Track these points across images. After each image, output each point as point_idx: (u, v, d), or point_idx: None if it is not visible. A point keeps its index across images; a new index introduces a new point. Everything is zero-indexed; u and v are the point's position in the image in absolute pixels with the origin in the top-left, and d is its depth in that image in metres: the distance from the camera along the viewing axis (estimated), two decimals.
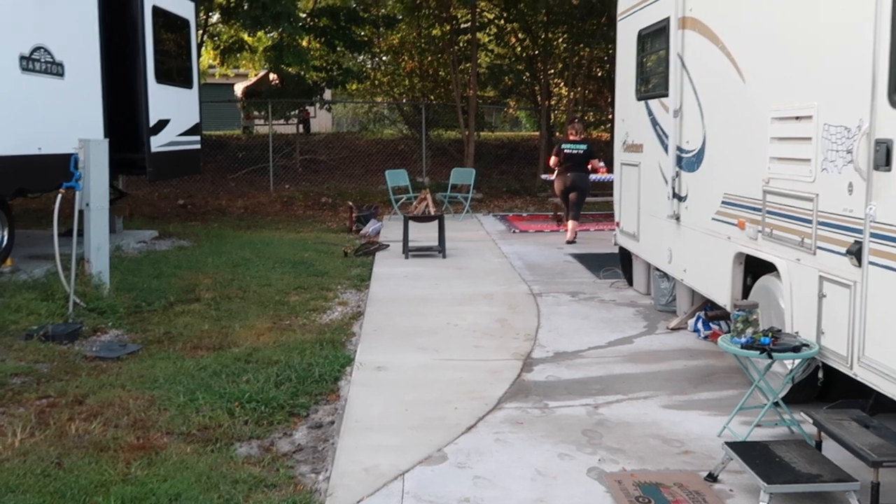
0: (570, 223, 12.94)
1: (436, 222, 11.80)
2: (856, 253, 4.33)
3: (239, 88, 26.86)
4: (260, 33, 21.15)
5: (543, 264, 10.92)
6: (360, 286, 9.62)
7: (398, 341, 7.10)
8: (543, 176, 17.88)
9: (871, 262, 4.22)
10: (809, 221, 4.83)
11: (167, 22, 12.62)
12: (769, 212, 5.35)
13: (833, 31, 4.58)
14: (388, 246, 12.27)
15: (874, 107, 4.18)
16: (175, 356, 6.50)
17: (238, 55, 22.74)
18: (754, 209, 5.56)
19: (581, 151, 12.78)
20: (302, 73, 21.37)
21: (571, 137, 13.04)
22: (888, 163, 4.06)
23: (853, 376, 4.41)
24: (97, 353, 6.59)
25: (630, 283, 9.22)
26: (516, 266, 10.77)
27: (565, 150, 12.85)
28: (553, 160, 13.10)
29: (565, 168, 12.82)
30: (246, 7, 18.04)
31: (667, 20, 7.21)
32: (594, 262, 10.68)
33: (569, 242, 12.70)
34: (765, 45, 5.43)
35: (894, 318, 4.04)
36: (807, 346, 4.67)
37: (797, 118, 4.99)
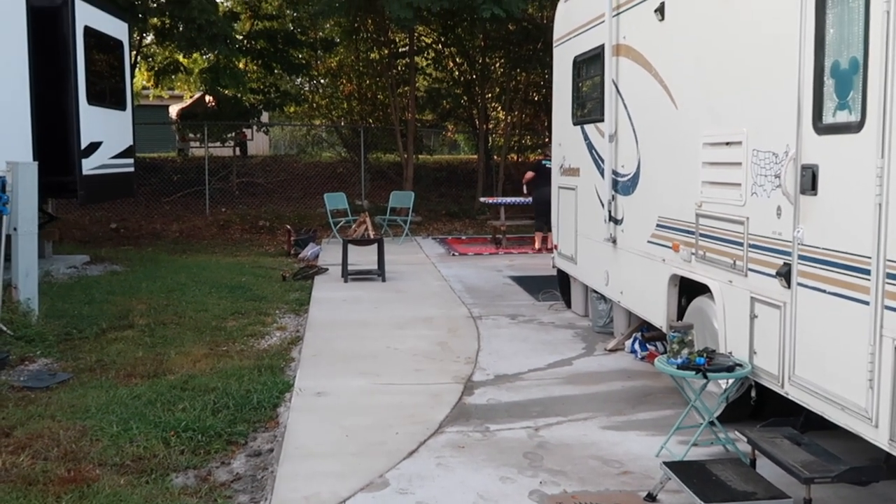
0: (539, 235, 14.30)
1: (375, 245, 11.77)
2: (785, 274, 4.46)
3: (174, 110, 26.48)
4: (196, 55, 20.92)
5: (483, 287, 10.98)
6: (298, 310, 9.52)
7: (338, 366, 7.04)
8: (482, 199, 18.02)
9: (799, 284, 4.36)
10: (740, 244, 4.97)
11: (99, 42, 12.38)
12: (702, 234, 5.49)
13: (761, 60, 4.75)
14: (327, 270, 12.19)
15: (800, 133, 4.33)
16: (108, 385, 6.33)
17: (173, 77, 22.44)
18: (688, 232, 5.69)
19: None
20: (239, 95, 21.19)
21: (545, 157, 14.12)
22: (814, 187, 4.21)
23: (784, 395, 4.53)
24: (25, 382, 6.37)
25: (568, 305, 9.33)
26: (456, 289, 10.80)
27: (545, 165, 13.62)
28: (529, 175, 14.23)
29: (537, 182, 13.75)
30: (181, 29, 17.81)
31: (601, 47, 7.37)
32: (533, 285, 10.77)
33: (538, 251, 13.93)
34: (695, 73, 5.59)
35: (822, 338, 4.17)
36: (740, 365, 4.79)
37: (727, 144, 5.14)
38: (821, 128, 4.17)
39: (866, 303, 3.80)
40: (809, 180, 4.23)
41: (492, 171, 21.88)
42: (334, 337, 8.10)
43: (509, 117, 23.13)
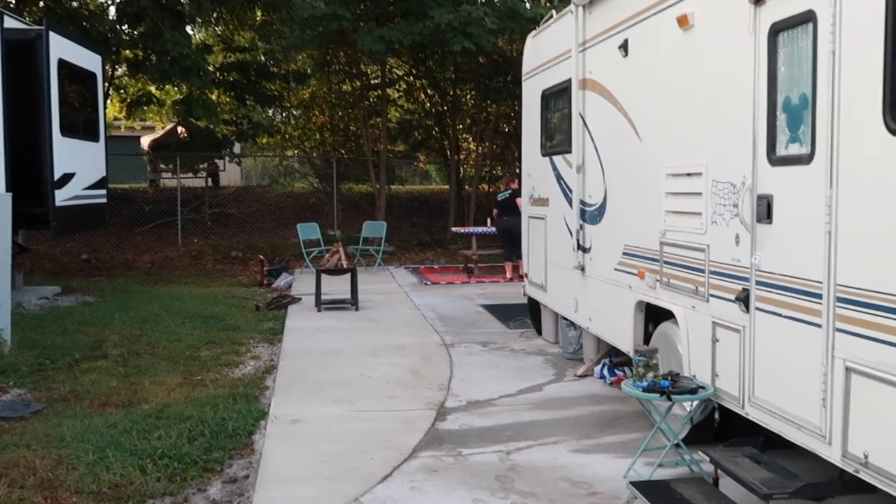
0: (508, 264, 14.59)
1: (348, 275, 11.88)
2: (744, 300, 4.66)
3: (146, 141, 26.50)
4: (168, 86, 21.02)
5: (455, 315, 11.12)
6: (272, 340, 9.59)
7: (312, 394, 7.12)
8: (453, 229, 18.22)
9: (757, 308, 4.56)
10: (702, 271, 5.17)
11: (73, 74, 12.46)
12: (666, 262, 5.69)
13: (718, 95, 4.98)
14: (300, 299, 12.26)
15: (756, 165, 4.55)
16: (82, 414, 6.36)
17: (145, 108, 22.50)
18: (652, 259, 5.89)
19: (507, 197, 14.32)
20: (211, 126, 21.29)
21: (502, 188, 15.05)
22: (769, 216, 4.42)
23: (745, 415, 4.71)
24: None
25: (539, 332, 9.49)
26: (428, 317, 10.93)
27: (498, 199, 14.84)
28: (495, 210, 14.95)
29: (500, 213, 14.52)
30: (154, 61, 17.92)
31: (569, 81, 7.60)
32: (504, 313, 10.93)
33: (509, 280, 14.21)
34: (657, 107, 5.82)
35: (779, 360, 4.36)
36: (703, 388, 4.97)
37: (689, 175, 5.36)
38: (774, 160, 4.39)
39: (819, 325, 3.99)
40: (765, 209, 4.45)
41: (463, 200, 22.12)
42: (308, 365, 8.18)
43: (480, 148, 23.43)
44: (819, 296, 3.99)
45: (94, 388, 7.16)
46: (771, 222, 4.42)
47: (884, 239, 3.58)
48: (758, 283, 4.55)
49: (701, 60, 5.19)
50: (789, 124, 4.28)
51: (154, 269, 16.88)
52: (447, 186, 23.81)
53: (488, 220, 15.81)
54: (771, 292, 4.42)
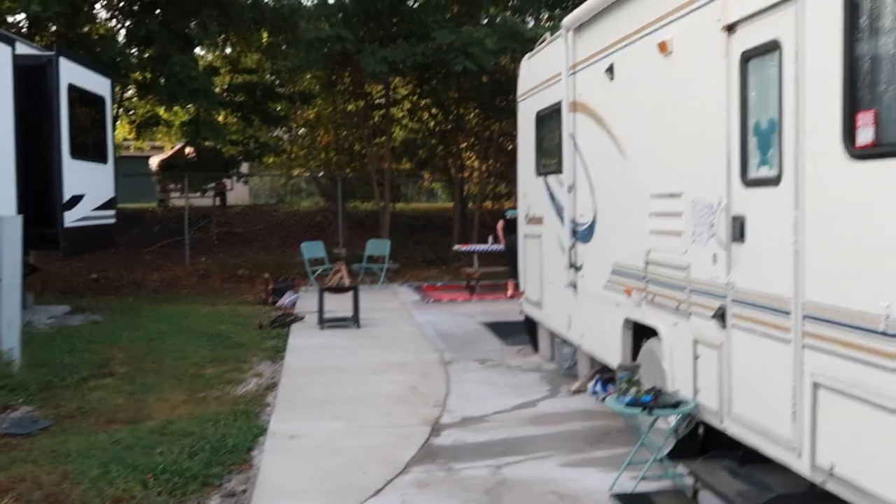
0: (511, 282, 14.58)
1: (351, 293, 12.07)
2: (721, 317, 4.83)
3: (155, 161, 26.84)
4: (176, 108, 21.36)
5: (455, 333, 11.29)
6: (275, 357, 9.78)
7: (312, 410, 7.30)
8: (456, 247, 18.41)
9: (733, 325, 4.72)
10: (683, 289, 5.34)
11: (82, 98, 12.75)
12: (651, 280, 5.86)
13: (695, 119, 5.17)
14: (303, 317, 12.46)
15: (730, 186, 4.74)
16: (88, 431, 6.56)
17: (154, 129, 22.85)
18: (638, 278, 6.06)
19: (516, 215, 14.23)
20: (218, 146, 21.59)
21: (510, 206, 15.48)
22: (742, 236, 4.60)
23: (723, 430, 4.86)
24: (7, 429, 6.58)
25: (536, 349, 9.64)
26: (429, 335, 11.10)
27: (506, 216, 14.99)
28: (500, 224, 15.16)
29: (507, 231, 14.61)
30: (162, 83, 18.26)
31: (560, 103, 7.81)
32: (503, 330, 11.09)
33: (511, 297, 14.23)
34: (642, 129, 6.02)
35: (753, 375, 4.52)
36: (684, 403, 5.13)
37: (670, 195, 5.54)
38: (747, 181, 4.58)
39: (788, 342, 4.16)
40: (738, 229, 4.63)
41: (467, 218, 22.32)
42: (309, 382, 8.36)
43: (484, 166, 23.65)
44: (788, 313, 4.16)
45: (101, 406, 7.36)
46: (744, 242, 4.60)
47: (845, 258, 3.75)
48: (733, 300, 4.72)
49: (680, 85, 5.38)
50: (760, 147, 4.47)
51: (162, 287, 17.13)
52: (451, 204, 24.01)
53: (489, 238, 16.02)
54: (745, 309, 4.58)
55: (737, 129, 4.66)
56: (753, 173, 4.53)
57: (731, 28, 4.69)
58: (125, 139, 24.75)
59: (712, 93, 4.91)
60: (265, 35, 21.51)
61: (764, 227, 4.41)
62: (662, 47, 5.53)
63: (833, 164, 3.80)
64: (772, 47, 4.28)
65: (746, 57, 4.56)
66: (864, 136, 3.59)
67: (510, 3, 20.42)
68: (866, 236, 3.61)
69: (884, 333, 3.50)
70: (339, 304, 12.27)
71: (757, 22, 4.43)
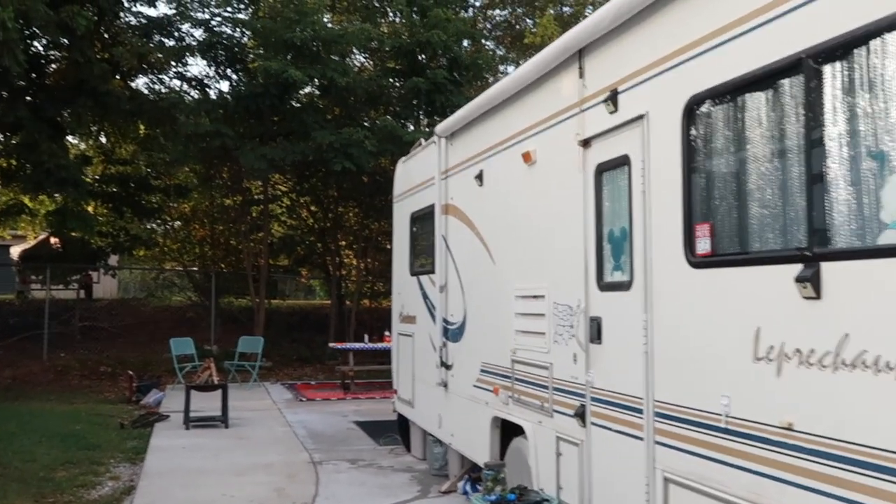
0: None
1: (220, 391, 11.71)
2: (581, 415, 5.00)
3: (16, 251, 25.61)
4: (42, 196, 20.57)
5: (327, 432, 11.09)
6: (135, 459, 9.32)
7: None
8: (331, 344, 18.26)
9: (592, 423, 4.90)
10: (547, 387, 5.51)
11: None
12: (517, 379, 6.01)
13: (556, 225, 5.46)
14: (168, 417, 11.96)
15: (588, 290, 4.99)
16: None
17: (17, 218, 21.87)
18: (506, 377, 6.21)
19: None
20: (86, 237, 20.84)
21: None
22: (599, 337, 4.83)
23: None
24: None
25: (408, 448, 9.58)
26: (299, 434, 10.86)
27: None
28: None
29: None
30: (28, 171, 17.61)
31: (433, 206, 8.05)
32: (376, 430, 10.97)
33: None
34: (507, 233, 6.28)
35: (611, 472, 4.68)
36: (548, 501, 5.22)
37: (534, 297, 5.76)
38: (602, 285, 4.84)
39: (641, 438, 4.35)
40: (596, 330, 4.86)
41: (344, 316, 22.21)
42: (170, 485, 7.99)
43: (362, 264, 23.76)
44: (641, 411, 4.36)
45: None
46: (601, 342, 4.83)
47: (690, 359, 4.00)
48: (592, 399, 4.91)
49: (542, 193, 5.69)
50: (613, 254, 4.76)
51: (15, 384, 16.11)
52: (329, 301, 23.88)
53: (365, 337, 16.00)
54: (603, 408, 4.77)
55: (593, 236, 4.95)
56: (608, 278, 4.80)
57: (586, 143, 5.04)
58: None
59: (571, 201, 5.22)
60: (142, 127, 21.20)
61: (618, 329, 4.65)
62: (526, 157, 5.86)
63: (677, 272, 4.09)
64: (622, 162, 4.62)
65: (601, 170, 4.89)
66: (702, 245, 3.90)
67: (391, 109, 21.00)
68: (707, 338, 3.88)
69: (725, 430, 3.72)
70: (207, 403, 11.87)
71: (609, 139, 4.79)
